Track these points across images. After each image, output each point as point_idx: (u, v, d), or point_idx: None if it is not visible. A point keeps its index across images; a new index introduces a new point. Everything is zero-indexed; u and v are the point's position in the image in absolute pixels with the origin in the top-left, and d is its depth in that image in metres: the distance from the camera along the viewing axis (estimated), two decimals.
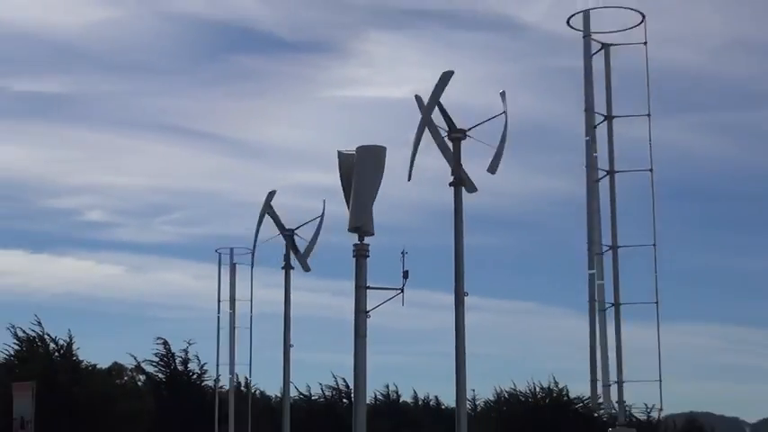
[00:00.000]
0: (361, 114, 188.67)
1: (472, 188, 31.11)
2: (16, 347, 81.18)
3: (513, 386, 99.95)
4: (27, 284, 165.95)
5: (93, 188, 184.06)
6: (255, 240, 50.00)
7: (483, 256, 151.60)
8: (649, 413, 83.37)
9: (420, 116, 30.84)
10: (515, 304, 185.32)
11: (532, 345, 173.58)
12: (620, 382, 26.23)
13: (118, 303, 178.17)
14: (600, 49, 27.69)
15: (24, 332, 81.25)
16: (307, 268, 47.49)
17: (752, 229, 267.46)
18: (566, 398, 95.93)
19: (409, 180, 31.61)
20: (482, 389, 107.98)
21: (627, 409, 28.24)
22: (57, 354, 76.87)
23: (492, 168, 30.94)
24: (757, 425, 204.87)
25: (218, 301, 57.47)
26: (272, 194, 49.65)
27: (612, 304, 26.56)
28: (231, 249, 55.68)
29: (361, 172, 34.72)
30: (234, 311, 55.30)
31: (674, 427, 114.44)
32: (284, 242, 48.92)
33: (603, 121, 27.53)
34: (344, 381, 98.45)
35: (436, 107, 31.48)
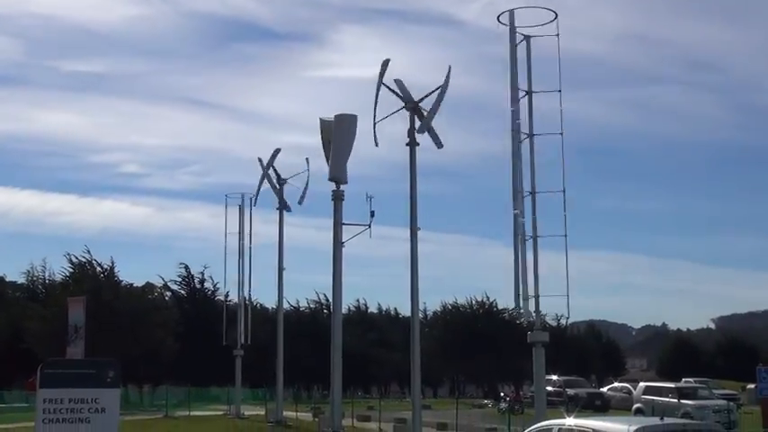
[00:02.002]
0: (337, 90, 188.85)
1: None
2: (70, 270, 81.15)
3: (455, 300, 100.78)
4: (77, 221, 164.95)
5: (127, 146, 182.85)
6: (260, 186, 49.87)
7: (432, 199, 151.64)
8: (559, 320, 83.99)
9: (380, 92, 31.14)
10: (457, 237, 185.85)
11: (470, 269, 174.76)
12: (536, 297, 26.49)
13: (149, 236, 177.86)
14: (522, 40, 27.74)
15: (76, 258, 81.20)
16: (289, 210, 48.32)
17: (642, 178, 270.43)
18: (495, 309, 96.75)
19: (377, 146, 31.72)
20: (431, 302, 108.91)
21: (542, 317, 28.52)
22: (102, 275, 76.74)
23: (421, 129, 31.12)
24: (641, 329, 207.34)
25: (226, 234, 57.46)
26: (277, 151, 49.48)
27: (532, 236, 26.75)
28: (242, 195, 55.45)
29: (338, 134, 34.72)
30: (244, 242, 55.11)
31: (577, 331, 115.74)
32: (278, 189, 48.89)
33: (525, 95, 27.62)
34: (325, 296, 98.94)
35: (397, 85, 31.62)
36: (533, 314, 26.66)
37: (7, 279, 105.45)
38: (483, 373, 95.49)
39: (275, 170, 48.84)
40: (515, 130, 27.36)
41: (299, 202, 46.91)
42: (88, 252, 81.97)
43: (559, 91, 27.26)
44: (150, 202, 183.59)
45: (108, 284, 73.19)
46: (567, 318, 30.19)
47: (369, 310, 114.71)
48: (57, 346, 54.93)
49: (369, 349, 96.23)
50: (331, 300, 39.23)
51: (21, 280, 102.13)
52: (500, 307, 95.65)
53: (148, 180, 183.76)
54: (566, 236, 26.63)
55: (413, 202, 31.88)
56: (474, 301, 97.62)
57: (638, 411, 47.10)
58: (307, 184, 46.02)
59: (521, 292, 26.55)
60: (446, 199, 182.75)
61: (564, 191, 26.89)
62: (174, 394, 60.64)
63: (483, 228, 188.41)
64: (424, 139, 31.55)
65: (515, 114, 27.50)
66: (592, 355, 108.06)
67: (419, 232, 31.68)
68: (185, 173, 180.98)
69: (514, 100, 27.45)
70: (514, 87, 27.58)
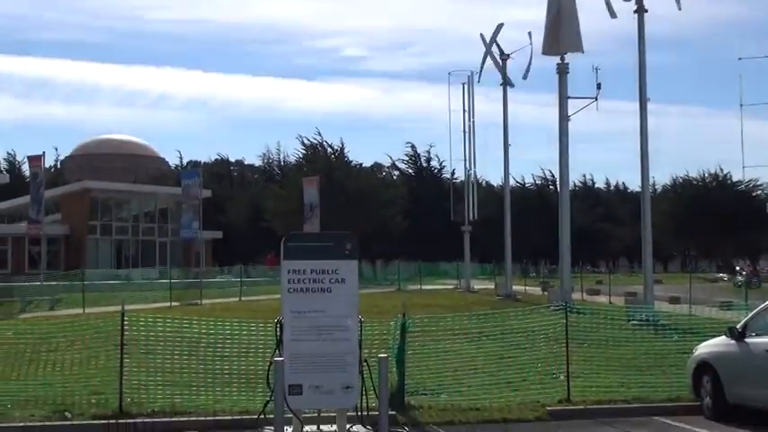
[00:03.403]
0: None
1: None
2: (303, 152, 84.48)
3: (686, 173, 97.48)
4: (306, 105, 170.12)
5: (349, 31, 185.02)
6: (483, 63, 49.58)
7: (659, 71, 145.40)
8: None
9: None
10: (688, 108, 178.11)
11: (701, 141, 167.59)
12: None
13: (375, 117, 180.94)
14: None
15: (308, 140, 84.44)
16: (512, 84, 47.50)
17: None
18: (729, 181, 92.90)
19: (614, 17, 30.68)
20: (661, 176, 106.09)
21: None
22: (333, 156, 79.39)
23: None
24: None
25: (450, 112, 57.79)
26: (499, 27, 48.89)
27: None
28: (467, 73, 55.27)
29: (563, 8, 33.81)
30: (468, 120, 55.22)
31: None
32: (501, 65, 48.40)
33: None
34: (551, 172, 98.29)
35: None
36: None
37: (245, 162, 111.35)
38: (716, 247, 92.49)
39: (498, 46, 48.38)
40: None
41: (524, 77, 46.36)
42: (319, 134, 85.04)
43: None
44: (374, 84, 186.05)
45: (339, 165, 75.65)
46: None
47: (596, 186, 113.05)
48: (294, 224, 57.76)
49: (596, 225, 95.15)
50: (557, 176, 38.86)
51: (258, 163, 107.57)
52: (734, 179, 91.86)
53: (371, 63, 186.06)
54: None
55: (641, 71, 30.81)
56: (706, 174, 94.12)
57: None
58: (530, 58, 45.38)
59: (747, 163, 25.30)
60: (674, 69, 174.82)
61: None
62: (405, 269, 62.51)
63: (715, 98, 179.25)
64: (650, 3, 30.21)
65: None
66: None
67: (648, 104, 30.69)
68: (407, 54, 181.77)
69: None
70: None
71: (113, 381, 14.27)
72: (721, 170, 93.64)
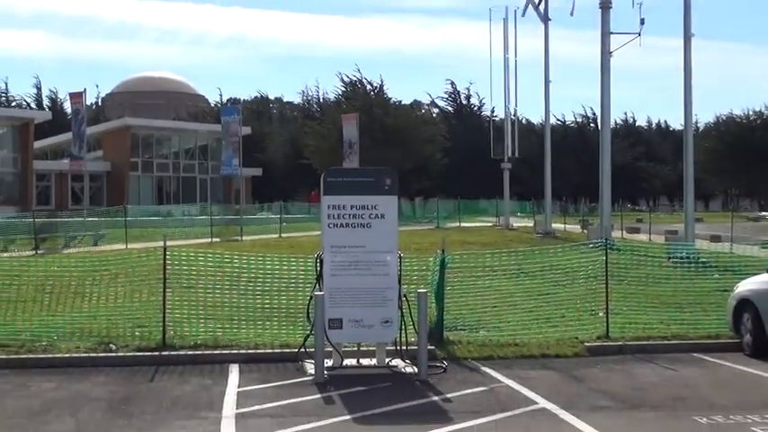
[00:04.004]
0: None
1: None
2: (342, 89, 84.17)
3: (729, 111, 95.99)
4: (345, 42, 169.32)
5: None
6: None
7: (703, 6, 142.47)
8: None
9: None
10: (732, 45, 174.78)
11: (746, 78, 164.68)
12: None
13: (414, 54, 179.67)
14: None
15: (348, 77, 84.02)
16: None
17: None
18: None
19: None
20: (704, 114, 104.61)
21: None
22: (372, 93, 79.05)
23: None
24: None
25: (490, 49, 57.28)
26: None
27: None
28: (507, 9, 54.55)
29: None
30: (509, 56, 54.57)
31: None
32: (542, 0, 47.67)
33: None
34: (592, 110, 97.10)
35: None
36: None
37: (285, 99, 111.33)
38: (759, 186, 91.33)
39: None
40: None
41: (571, 14, 45.55)
42: (358, 71, 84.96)
43: None
44: (414, 20, 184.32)
45: (378, 102, 75.33)
46: None
47: (637, 124, 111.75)
48: (333, 161, 57.80)
49: (637, 163, 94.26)
50: (598, 113, 38.44)
51: (297, 100, 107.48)
52: None
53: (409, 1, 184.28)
54: None
55: (686, 6, 30.21)
56: (751, 112, 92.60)
57: None
58: None
59: None
60: (719, 4, 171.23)
61: None
62: (444, 207, 62.49)
63: (762, 34, 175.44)
64: None
65: None
66: None
67: (692, 40, 30.13)
68: None
69: None
70: None
71: (156, 314, 14.53)
72: (767, 108, 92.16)
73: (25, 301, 15.69)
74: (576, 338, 14.65)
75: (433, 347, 13.29)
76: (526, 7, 49.32)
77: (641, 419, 10.09)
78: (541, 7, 47.55)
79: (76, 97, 56.60)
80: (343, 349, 12.75)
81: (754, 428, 9.52)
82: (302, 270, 15.51)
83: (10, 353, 13.39)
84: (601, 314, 15.42)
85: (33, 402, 10.81)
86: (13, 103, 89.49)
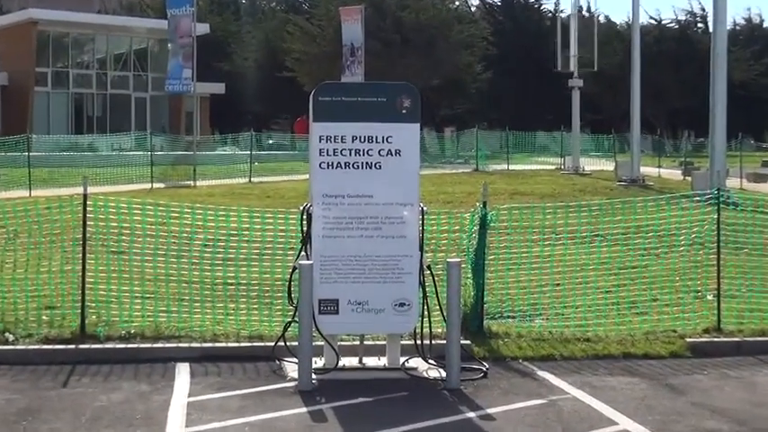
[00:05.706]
0: None
1: None
2: None
3: None
4: None
5: None
6: None
7: None
8: None
9: None
10: None
11: None
12: None
13: None
14: None
15: None
16: None
17: None
18: None
19: None
20: None
21: None
22: None
23: None
24: None
25: None
26: None
27: None
28: None
29: None
30: None
31: None
32: None
33: None
34: (700, 4, 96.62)
35: None
36: None
37: None
38: None
39: None
40: None
41: None
42: None
43: None
44: None
45: None
46: None
47: (764, 26, 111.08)
48: (328, 73, 57.61)
49: (763, 80, 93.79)
50: (709, 10, 38.18)
51: None
52: None
53: None
54: None
55: None
56: None
57: None
58: None
59: None
60: None
61: None
62: (486, 142, 62.40)
63: None
64: None
65: None
66: None
67: None
68: None
69: None
70: None
71: (72, 291, 14.52)
72: None
73: None
74: (674, 332, 14.68)
75: (468, 342, 13.32)
76: None
77: None
78: None
79: None
80: (339, 343, 12.76)
81: None
82: (281, 230, 15.49)
83: None
84: (710, 297, 15.41)
85: None
86: None
